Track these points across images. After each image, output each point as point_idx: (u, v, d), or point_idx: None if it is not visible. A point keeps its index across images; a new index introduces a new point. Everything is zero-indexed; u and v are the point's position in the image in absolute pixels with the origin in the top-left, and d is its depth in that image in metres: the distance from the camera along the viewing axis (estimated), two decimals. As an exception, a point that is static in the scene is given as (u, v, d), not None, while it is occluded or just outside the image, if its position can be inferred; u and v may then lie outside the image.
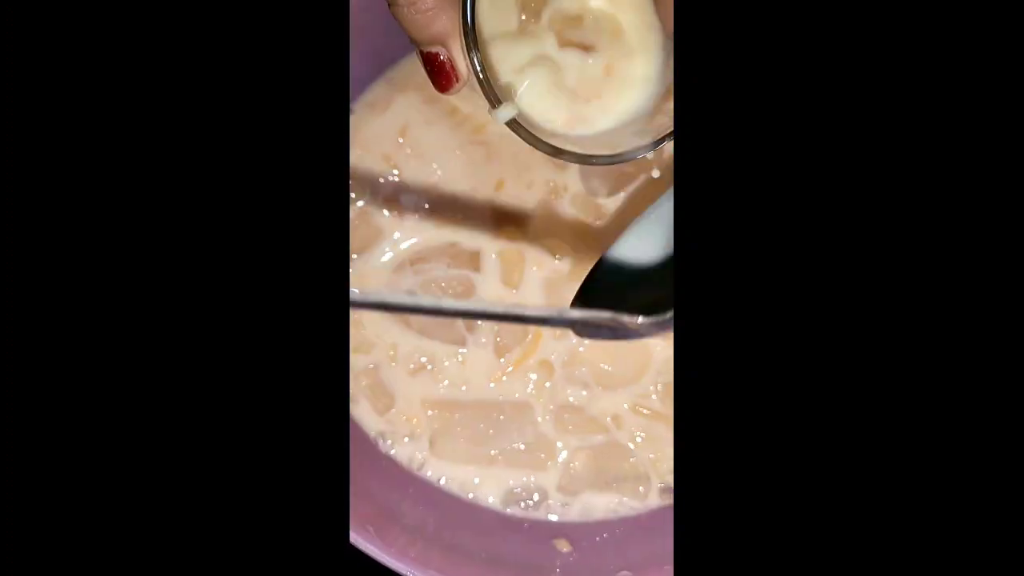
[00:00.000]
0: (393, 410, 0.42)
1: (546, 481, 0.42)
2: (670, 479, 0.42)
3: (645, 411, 0.42)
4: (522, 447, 0.42)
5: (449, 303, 0.29)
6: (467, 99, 0.42)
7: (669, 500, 0.42)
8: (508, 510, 0.42)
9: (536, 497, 0.42)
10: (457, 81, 0.31)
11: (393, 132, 0.43)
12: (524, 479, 0.42)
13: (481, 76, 0.30)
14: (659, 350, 0.42)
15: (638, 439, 0.42)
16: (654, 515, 0.42)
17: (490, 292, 0.43)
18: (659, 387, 0.42)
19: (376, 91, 0.44)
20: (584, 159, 0.32)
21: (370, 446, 0.42)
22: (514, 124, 0.31)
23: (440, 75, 0.31)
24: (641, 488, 0.41)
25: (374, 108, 0.44)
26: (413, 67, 0.43)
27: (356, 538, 0.36)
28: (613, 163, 0.32)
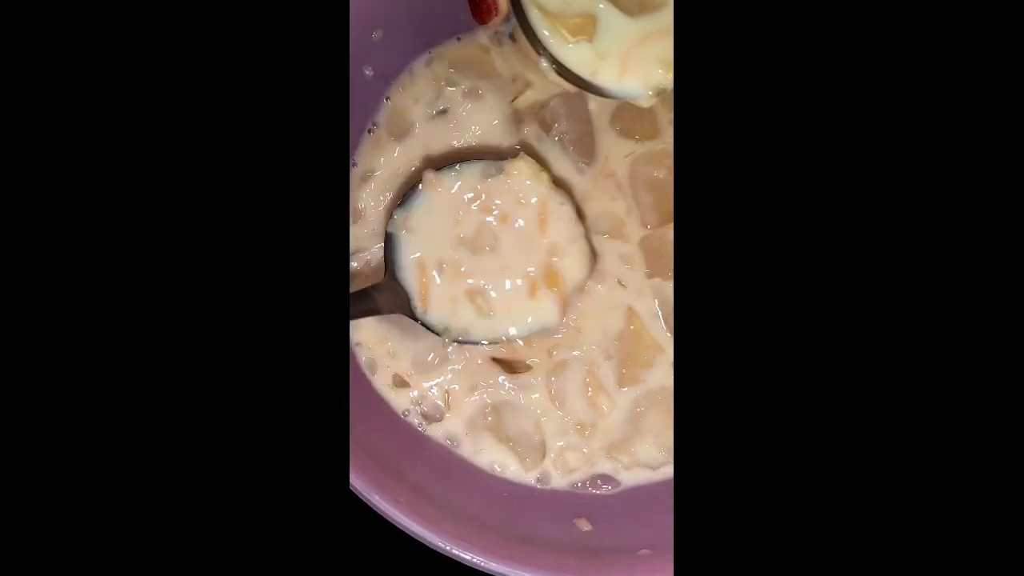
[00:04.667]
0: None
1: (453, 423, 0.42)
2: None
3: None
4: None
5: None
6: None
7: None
8: (409, 418, 0.42)
9: (436, 416, 0.42)
10: (496, 14, 0.36)
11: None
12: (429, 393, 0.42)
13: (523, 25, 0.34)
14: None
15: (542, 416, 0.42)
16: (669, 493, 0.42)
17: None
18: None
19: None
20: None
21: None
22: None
23: (481, 8, 0.36)
24: (529, 459, 0.42)
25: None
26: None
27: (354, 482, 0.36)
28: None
